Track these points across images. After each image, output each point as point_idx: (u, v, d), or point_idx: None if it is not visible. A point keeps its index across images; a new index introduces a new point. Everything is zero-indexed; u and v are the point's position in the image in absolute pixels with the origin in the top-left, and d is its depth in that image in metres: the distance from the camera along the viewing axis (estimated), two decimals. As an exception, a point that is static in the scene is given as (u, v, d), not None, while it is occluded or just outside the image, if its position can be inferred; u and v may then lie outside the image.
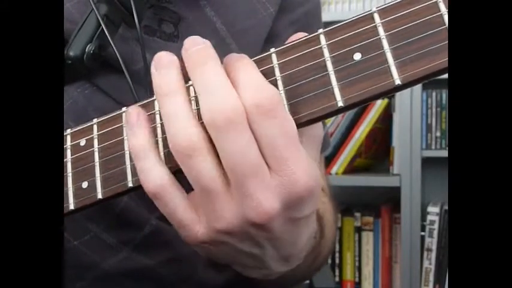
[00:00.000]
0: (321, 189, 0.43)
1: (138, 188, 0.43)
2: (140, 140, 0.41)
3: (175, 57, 0.40)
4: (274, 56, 0.41)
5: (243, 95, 0.37)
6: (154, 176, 0.40)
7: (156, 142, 0.42)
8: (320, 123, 0.42)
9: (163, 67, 0.40)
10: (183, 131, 0.38)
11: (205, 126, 0.38)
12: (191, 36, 0.40)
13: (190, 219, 0.41)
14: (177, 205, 0.41)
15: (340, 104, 0.38)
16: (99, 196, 0.44)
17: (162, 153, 0.42)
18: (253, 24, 0.63)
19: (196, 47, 0.39)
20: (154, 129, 0.43)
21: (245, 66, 0.39)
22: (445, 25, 0.37)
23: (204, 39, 0.40)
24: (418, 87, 1.90)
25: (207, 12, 0.63)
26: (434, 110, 1.97)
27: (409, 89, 1.90)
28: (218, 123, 0.37)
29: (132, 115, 0.42)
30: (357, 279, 2.01)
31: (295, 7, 0.67)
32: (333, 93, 0.39)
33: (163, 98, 0.39)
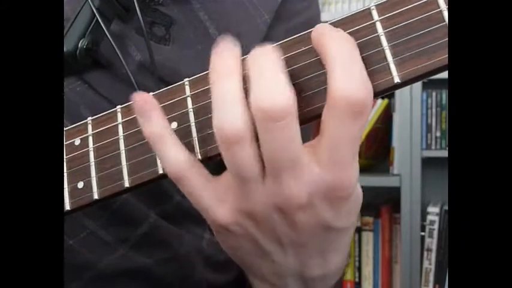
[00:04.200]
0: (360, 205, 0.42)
1: (135, 188, 0.43)
2: (153, 126, 0.40)
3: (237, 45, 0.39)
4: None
5: (334, 86, 0.36)
6: (173, 159, 0.40)
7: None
8: None
9: (225, 49, 0.39)
10: (233, 116, 0.37)
11: (253, 115, 0.37)
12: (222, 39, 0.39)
13: (212, 202, 0.40)
14: (198, 188, 0.40)
15: None
16: (95, 196, 0.44)
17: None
18: (247, 30, 0.63)
19: (223, 52, 0.39)
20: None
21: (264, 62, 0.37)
22: (444, 21, 0.37)
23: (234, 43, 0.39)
24: (418, 87, 1.89)
25: (200, 16, 0.62)
26: (434, 110, 1.97)
27: (409, 89, 1.90)
28: (270, 115, 0.36)
29: (139, 103, 0.41)
30: (357, 279, 2.01)
31: (292, 16, 0.67)
32: None
33: (218, 80, 0.38)
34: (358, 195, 0.41)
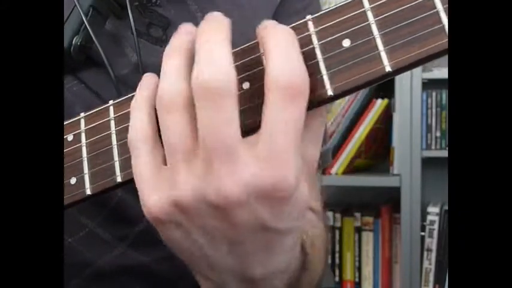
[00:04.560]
0: (309, 208, 0.40)
1: (127, 183, 0.43)
2: (143, 94, 0.41)
3: (193, 28, 0.40)
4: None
5: (269, 69, 0.36)
6: (139, 126, 0.39)
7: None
8: (323, 117, 0.40)
9: (182, 33, 0.40)
10: (169, 84, 0.38)
11: (192, 89, 0.36)
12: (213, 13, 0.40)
13: (150, 181, 0.38)
14: (142, 157, 0.39)
15: (330, 92, 0.38)
16: (88, 192, 0.44)
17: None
18: (245, 32, 0.62)
19: (213, 21, 0.39)
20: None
21: (280, 40, 0.37)
22: (435, 9, 0.36)
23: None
24: (418, 87, 1.89)
25: (197, 17, 0.62)
26: (434, 110, 1.97)
27: (409, 89, 1.91)
28: (207, 88, 0.35)
29: (148, 77, 0.42)
30: (357, 279, 2.01)
31: (290, 16, 0.66)
32: (322, 82, 0.38)
33: (165, 57, 0.39)
34: (301, 196, 0.37)
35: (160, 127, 0.38)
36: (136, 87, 0.43)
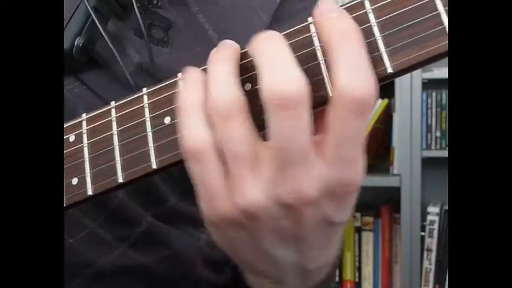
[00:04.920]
0: None
1: (128, 184, 0.43)
2: (192, 96, 0.39)
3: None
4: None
5: (342, 73, 0.35)
6: (197, 134, 0.38)
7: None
8: None
9: (227, 44, 0.40)
10: (224, 93, 0.37)
11: (264, 101, 0.36)
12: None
13: (220, 190, 0.38)
14: (212, 171, 0.38)
15: (331, 94, 0.37)
16: (89, 192, 0.44)
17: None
18: (246, 32, 0.62)
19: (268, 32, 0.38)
20: (143, 123, 0.43)
21: (355, 40, 0.36)
22: (437, 11, 0.36)
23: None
24: (418, 87, 1.90)
25: (198, 18, 0.62)
26: (434, 110, 1.97)
27: (409, 89, 1.91)
28: (283, 101, 0.35)
29: (191, 74, 0.41)
30: (357, 279, 2.01)
31: (290, 17, 0.66)
32: (324, 83, 0.38)
33: (213, 64, 0.39)
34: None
35: (217, 135, 0.38)
36: (138, 87, 0.43)
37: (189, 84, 0.40)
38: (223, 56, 0.39)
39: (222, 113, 0.37)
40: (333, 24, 0.37)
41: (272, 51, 0.36)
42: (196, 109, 0.39)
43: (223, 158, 0.38)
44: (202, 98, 0.39)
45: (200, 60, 0.62)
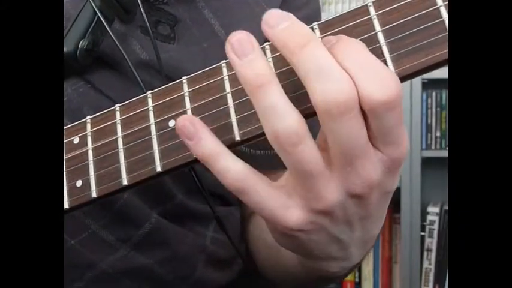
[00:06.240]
0: None
1: (132, 186, 0.43)
2: (207, 146, 0.39)
3: (253, 39, 0.38)
4: (268, 51, 0.40)
5: (366, 87, 0.36)
6: (234, 172, 0.39)
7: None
8: None
9: (246, 53, 0.37)
10: (284, 121, 0.37)
11: (317, 112, 0.37)
12: (270, 10, 0.38)
13: (280, 209, 0.40)
14: (263, 196, 0.39)
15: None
16: (94, 195, 0.44)
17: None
18: (252, 27, 0.62)
19: (284, 24, 0.37)
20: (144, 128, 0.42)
21: (366, 54, 0.37)
22: (441, 18, 0.37)
23: (287, 13, 0.38)
24: (418, 87, 1.89)
25: (205, 14, 0.62)
26: (434, 110, 1.97)
27: (409, 89, 1.90)
28: (333, 111, 0.36)
29: (184, 126, 0.39)
30: (357, 279, 2.01)
31: (294, 12, 0.67)
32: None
33: (256, 91, 0.37)
34: None
35: (284, 158, 0.38)
36: (145, 84, 0.42)
37: (196, 135, 0.39)
38: (270, 76, 0.38)
39: (289, 139, 0.37)
40: (280, 37, 0.37)
41: (318, 58, 0.36)
42: (222, 151, 0.39)
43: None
44: (215, 137, 0.39)
45: (207, 56, 0.62)
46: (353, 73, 0.36)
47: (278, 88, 0.37)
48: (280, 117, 0.37)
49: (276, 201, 0.40)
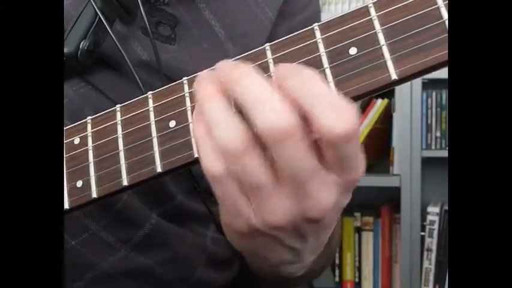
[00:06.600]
0: None
1: (133, 187, 0.43)
2: (201, 129, 0.40)
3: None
4: (268, 52, 0.40)
5: (323, 121, 0.36)
6: (219, 160, 0.39)
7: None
8: None
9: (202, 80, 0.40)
10: (232, 135, 0.38)
11: (261, 137, 0.37)
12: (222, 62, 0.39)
13: (246, 209, 0.40)
14: (237, 194, 0.40)
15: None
16: (94, 195, 0.44)
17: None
18: (253, 28, 0.63)
19: (221, 64, 0.39)
20: (145, 128, 0.43)
21: (320, 85, 0.37)
22: (442, 19, 0.37)
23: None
24: (418, 87, 1.89)
25: (205, 15, 0.62)
26: (434, 110, 1.97)
27: (409, 89, 1.90)
28: (275, 137, 0.37)
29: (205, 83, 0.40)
30: (357, 279, 2.01)
31: (295, 14, 0.67)
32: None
33: (204, 103, 0.39)
34: None
35: (233, 169, 0.39)
36: (146, 84, 0.43)
37: (203, 103, 0.40)
38: (215, 98, 0.39)
39: (233, 154, 0.38)
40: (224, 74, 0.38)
41: (256, 92, 0.37)
42: (208, 141, 0.39)
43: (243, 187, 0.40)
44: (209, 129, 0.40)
45: (207, 57, 0.62)
46: (307, 106, 0.37)
47: (222, 105, 0.38)
48: (224, 128, 0.38)
49: (244, 204, 0.40)
